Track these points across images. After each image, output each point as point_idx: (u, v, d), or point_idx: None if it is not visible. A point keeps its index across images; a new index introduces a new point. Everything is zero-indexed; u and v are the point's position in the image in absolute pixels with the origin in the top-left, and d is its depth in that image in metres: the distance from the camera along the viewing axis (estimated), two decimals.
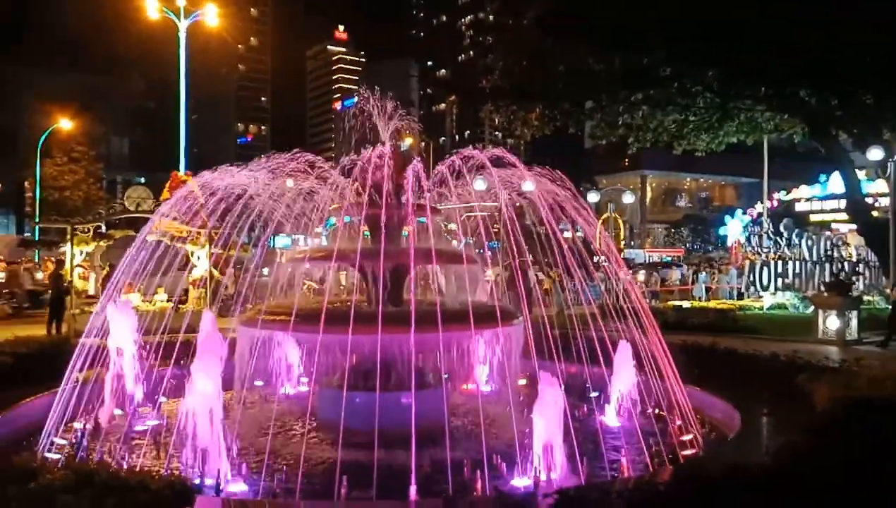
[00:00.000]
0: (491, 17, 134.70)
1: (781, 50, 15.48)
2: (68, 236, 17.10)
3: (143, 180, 52.16)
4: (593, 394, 8.57)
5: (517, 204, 9.57)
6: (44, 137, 46.84)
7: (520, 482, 5.94)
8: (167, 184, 20.23)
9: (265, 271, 15.35)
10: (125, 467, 5.28)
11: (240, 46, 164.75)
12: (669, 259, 46.12)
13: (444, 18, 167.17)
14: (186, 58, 27.72)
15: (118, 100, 70.05)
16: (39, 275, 28.76)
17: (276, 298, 8.86)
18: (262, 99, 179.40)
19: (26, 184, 59.57)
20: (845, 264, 24.77)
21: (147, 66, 67.82)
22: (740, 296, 26.31)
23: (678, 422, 7.50)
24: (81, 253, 17.85)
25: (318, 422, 7.57)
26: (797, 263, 24.17)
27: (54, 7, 67.35)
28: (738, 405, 7.84)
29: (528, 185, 8.93)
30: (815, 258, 24.27)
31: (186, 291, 17.75)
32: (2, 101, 64.60)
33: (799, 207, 39.66)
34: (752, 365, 9.59)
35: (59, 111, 49.42)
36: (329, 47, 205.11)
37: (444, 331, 6.77)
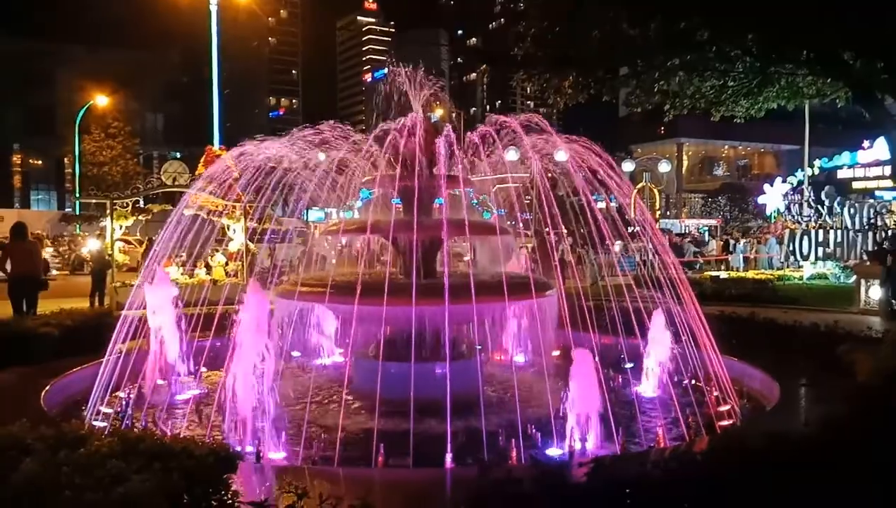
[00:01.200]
0: None
1: (824, 11, 14.95)
2: (108, 211, 17.42)
3: (178, 155, 52.87)
4: (629, 365, 8.53)
5: (550, 174, 9.47)
6: (81, 114, 47.65)
7: (555, 451, 5.97)
8: (202, 159, 20.45)
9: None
10: (169, 435, 5.42)
11: (270, 19, 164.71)
12: (706, 229, 45.42)
13: None
14: (218, 33, 27.81)
15: (153, 76, 70.83)
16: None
17: (312, 270, 8.96)
18: (293, 72, 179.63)
19: (66, 160, 60.92)
20: (889, 232, 24.12)
21: (180, 42, 68.31)
22: (780, 267, 25.85)
23: (715, 393, 7.43)
24: (121, 227, 18.18)
25: (355, 392, 7.67)
26: (838, 232, 23.60)
27: None
28: (777, 376, 7.74)
29: (561, 155, 8.83)
30: (857, 226, 23.64)
31: (226, 263, 18.03)
32: (40, 79, 65.77)
33: (841, 174, 38.61)
34: (791, 336, 9.45)
35: (95, 87, 50.20)
36: (359, 18, 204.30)
37: (478, 302, 6.78)
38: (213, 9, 27.32)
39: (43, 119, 66.77)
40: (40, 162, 72.52)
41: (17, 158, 70.47)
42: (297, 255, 14.99)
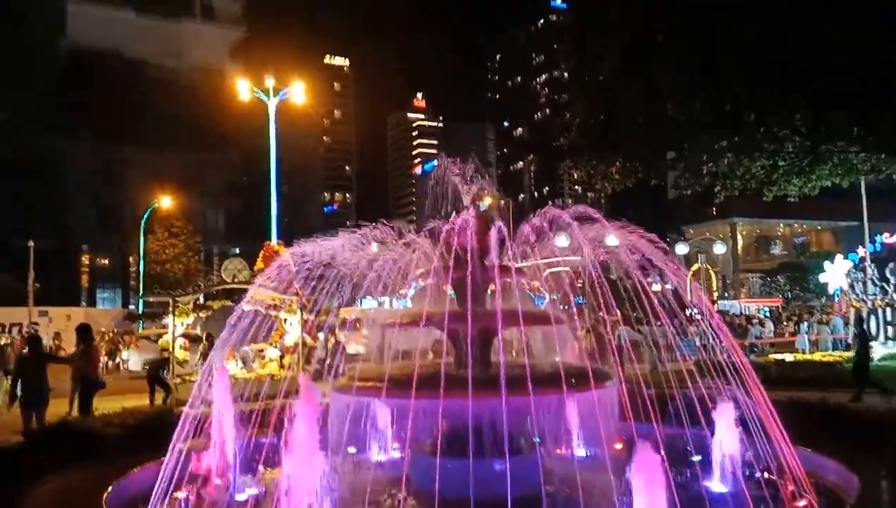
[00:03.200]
0: (565, 75, 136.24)
1: (875, 90, 14.93)
2: (170, 309, 17.99)
3: (237, 250, 54.62)
4: (696, 458, 8.18)
5: (601, 258, 9.46)
6: (147, 214, 50.00)
7: None
8: (260, 254, 21.14)
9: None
10: None
11: (325, 120, 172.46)
12: (767, 310, 44.10)
13: (520, 79, 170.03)
14: (276, 134, 29.22)
15: (215, 176, 74.29)
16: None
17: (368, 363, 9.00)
18: (347, 168, 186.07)
19: (131, 258, 63.55)
20: None
21: (240, 142, 71.79)
22: (846, 347, 24.76)
23: (790, 487, 7.04)
24: (182, 324, 18.73)
25: (412, 490, 7.52)
26: None
27: (156, 92, 72.62)
28: (854, 467, 7.31)
29: (612, 239, 8.84)
30: None
31: (281, 357, 18.27)
32: (109, 180, 69.56)
33: None
34: (867, 423, 8.97)
35: (160, 187, 52.82)
36: (408, 115, 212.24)
37: (536, 394, 6.68)
38: (272, 111, 28.82)
39: (111, 219, 70.29)
40: (107, 261, 75.81)
41: (85, 258, 73.85)
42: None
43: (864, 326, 22.66)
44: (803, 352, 25.41)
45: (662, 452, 5.91)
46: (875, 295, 23.82)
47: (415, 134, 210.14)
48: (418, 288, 10.01)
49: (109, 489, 7.20)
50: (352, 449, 8.97)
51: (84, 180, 68.43)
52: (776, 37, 15.57)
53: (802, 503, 6.83)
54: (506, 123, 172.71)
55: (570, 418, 8.48)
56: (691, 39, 16.49)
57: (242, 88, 28.93)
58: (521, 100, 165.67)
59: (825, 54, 15.08)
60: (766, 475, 7.49)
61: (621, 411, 7.97)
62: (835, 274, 32.76)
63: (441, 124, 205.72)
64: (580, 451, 8.95)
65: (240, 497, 7.85)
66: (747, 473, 7.60)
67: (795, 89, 15.84)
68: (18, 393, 12.08)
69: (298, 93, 29.83)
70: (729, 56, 15.98)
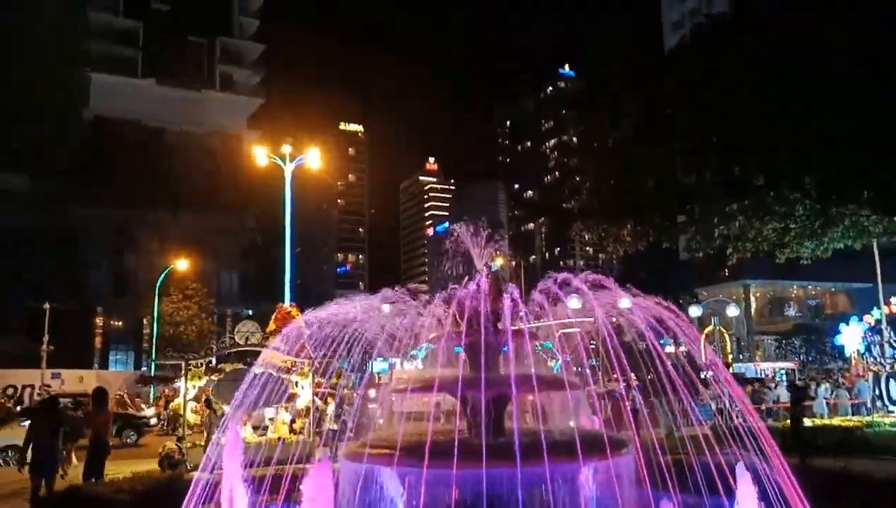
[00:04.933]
0: (574, 140, 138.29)
1: (882, 152, 15.09)
2: (183, 372, 18.00)
3: (250, 312, 54.76)
4: None
5: (614, 320, 9.46)
6: (161, 278, 50.38)
7: None
8: (273, 316, 21.21)
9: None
10: None
11: (339, 184, 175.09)
12: (784, 373, 43.39)
13: (529, 144, 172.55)
14: (291, 197, 29.69)
15: (230, 239, 75.09)
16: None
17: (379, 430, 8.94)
18: (360, 230, 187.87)
19: (144, 320, 63.73)
20: None
21: (256, 205, 72.74)
22: (868, 412, 24.26)
23: None
24: (194, 387, 18.69)
25: None
26: None
27: (173, 157, 74.20)
28: None
29: (625, 303, 8.86)
30: None
31: (292, 421, 18.14)
32: (125, 243, 70.40)
33: None
34: (892, 491, 8.74)
35: (175, 250, 53.36)
36: (421, 178, 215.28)
37: (550, 464, 6.61)
38: (288, 176, 29.36)
39: (125, 282, 70.85)
40: (120, 323, 76.04)
41: (99, 320, 74.15)
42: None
43: (879, 388, 22.29)
44: (822, 417, 24.90)
45: None
46: (893, 357, 23.45)
47: (427, 197, 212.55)
48: (429, 349, 10.03)
49: None
50: None
51: (100, 243, 69.39)
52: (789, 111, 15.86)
53: None
54: (516, 185, 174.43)
55: (585, 487, 8.35)
56: (702, 113, 16.86)
57: (259, 154, 29.55)
58: (531, 163, 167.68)
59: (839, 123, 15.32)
60: None
61: (638, 478, 7.85)
62: (851, 336, 32.37)
63: (453, 186, 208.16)
64: None
65: None
66: None
67: (807, 159, 16.05)
68: (28, 457, 11.98)
69: (314, 158, 30.40)
70: (741, 128, 16.27)
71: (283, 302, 25.87)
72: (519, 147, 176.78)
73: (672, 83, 17.83)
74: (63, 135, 70.66)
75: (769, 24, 17.32)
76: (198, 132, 77.88)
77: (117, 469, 12.51)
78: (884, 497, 8.60)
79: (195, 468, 9.55)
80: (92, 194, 66.67)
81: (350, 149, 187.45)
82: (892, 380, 22.57)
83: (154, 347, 49.03)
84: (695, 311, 28.03)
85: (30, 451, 11.82)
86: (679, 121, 17.78)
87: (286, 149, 29.30)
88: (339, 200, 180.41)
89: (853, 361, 28.94)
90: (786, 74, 15.83)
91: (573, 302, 9.92)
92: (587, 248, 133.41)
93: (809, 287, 71.46)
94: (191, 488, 7.81)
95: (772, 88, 16.01)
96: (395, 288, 9.08)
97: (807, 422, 21.60)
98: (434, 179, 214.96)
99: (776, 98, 15.82)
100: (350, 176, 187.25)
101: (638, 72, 19.48)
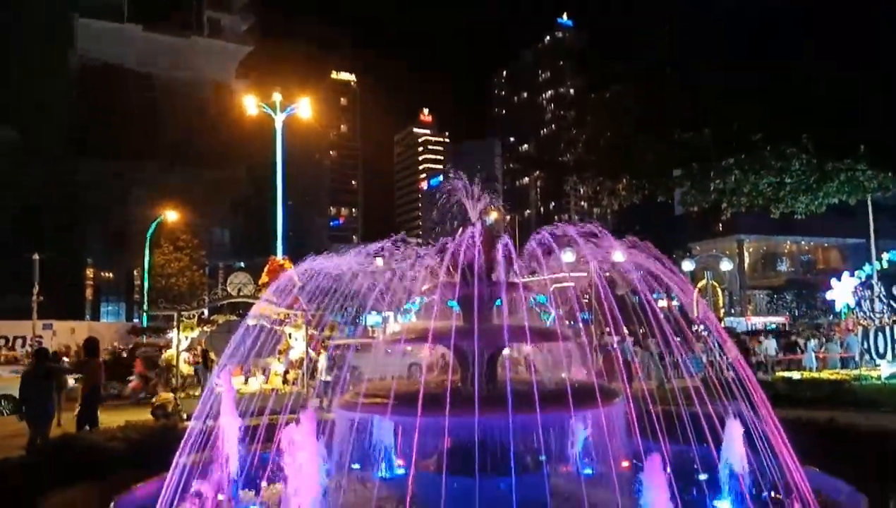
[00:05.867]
0: (571, 91, 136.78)
1: (884, 112, 14.96)
2: (175, 322, 18.00)
3: (242, 265, 54.69)
4: (703, 476, 8.11)
5: (608, 274, 9.43)
6: (152, 229, 50.11)
7: None
8: (265, 268, 21.15)
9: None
10: None
11: (331, 134, 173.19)
12: (775, 327, 43.90)
13: (525, 95, 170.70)
14: (283, 149, 29.36)
15: (221, 192, 74.59)
16: None
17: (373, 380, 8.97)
18: (353, 183, 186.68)
19: (135, 272, 63.70)
20: None
21: (247, 157, 72.08)
22: (856, 366, 24.60)
23: (797, 507, 6.96)
24: (187, 338, 18.72)
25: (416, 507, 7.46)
26: None
27: (164, 108, 73.23)
28: (864, 488, 7.23)
29: (619, 256, 8.81)
30: None
31: (286, 372, 18.25)
32: (116, 196, 69.91)
33: None
34: (877, 444, 8.86)
35: (165, 203, 52.98)
36: (414, 130, 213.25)
37: (543, 412, 6.64)
38: (279, 127, 28.97)
39: (116, 234, 70.57)
40: (111, 274, 75.97)
41: (89, 272, 74.04)
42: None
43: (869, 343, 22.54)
44: (811, 370, 25.25)
45: (669, 470, 5.87)
46: (882, 312, 23.64)
47: (421, 149, 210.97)
48: (423, 303, 10.00)
49: (112, 504, 7.16)
50: (356, 466, 8.93)
51: (90, 195, 68.83)
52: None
53: None
54: (512, 139, 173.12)
55: (576, 436, 8.43)
56: (707, 65, 16.62)
57: (249, 104, 29.10)
58: (528, 115, 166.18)
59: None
60: (773, 494, 7.41)
61: (628, 428, 7.92)
62: (841, 291, 32.65)
63: (447, 139, 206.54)
64: (587, 469, 8.88)
65: None
66: (754, 492, 7.53)
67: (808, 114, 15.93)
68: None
69: (305, 108, 29.96)
70: (748, 79, 16.09)
71: (276, 255, 25.80)
72: (515, 98, 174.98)
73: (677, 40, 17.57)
74: (53, 87, 69.39)
75: None
76: (187, 80, 76.63)
77: (110, 420, 12.58)
78: (868, 448, 8.73)
79: (189, 418, 9.60)
80: (77, 142, 65.84)
81: (342, 99, 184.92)
82: (880, 334, 22.78)
83: (146, 298, 49.05)
84: (688, 266, 28.14)
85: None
86: (679, 77, 17.57)
87: (277, 98, 28.83)
88: (331, 152, 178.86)
89: (844, 316, 29.24)
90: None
91: (567, 256, 9.86)
92: (582, 203, 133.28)
93: (802, 242, 71.78)
94: (185, 437, 7.83)
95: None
96: (390, 236, 8.99)
97: (796, 375, 21.93)
98: (428, 131, 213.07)
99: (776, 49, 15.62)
100: (342, 127, 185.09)
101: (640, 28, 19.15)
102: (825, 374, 22.82)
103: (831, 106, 15.68)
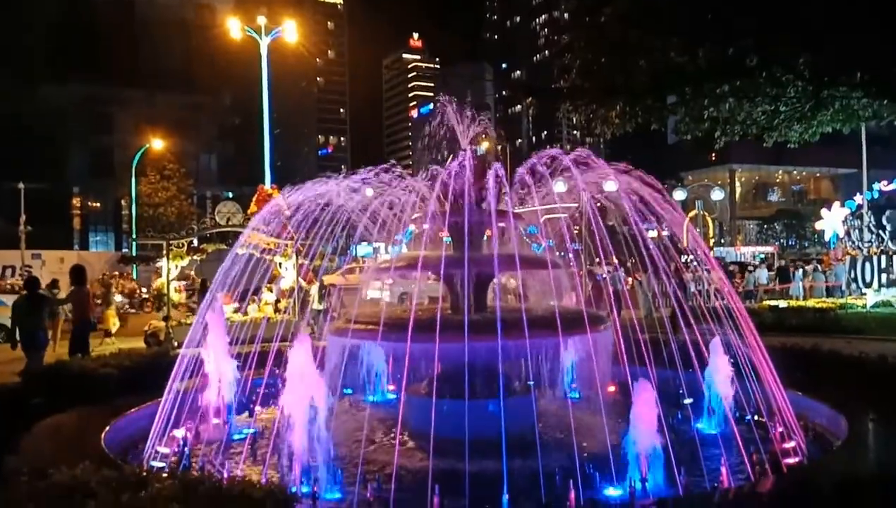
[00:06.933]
0: (566, 16, 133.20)
1: (882, 34, 14.64)
2: (164, 251, 17.94)
3: (230, 195, 54.27)
4: (688, 401, 8.29)
5: (599, 204, 9.38)
6: (137, 156, 49.38)
7: (614, 491, 5.81)
8: (254, 198, 20.97)
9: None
10: (225, 475, 5.44)
11: (318, 60, 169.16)
12: (763, 257, 44.30)
13: (518, 20, 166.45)
14: (269, 74, 28.66)
15: (207, 118, 73.32)
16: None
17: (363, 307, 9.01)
18: (341, 111, 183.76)
19: (123, 202, 63.18)
20: None
21: (232, 84, 70.60)
22: (843, 295, 24.98)
23: (780, 429, 7.15)
24: (177, 267, 18.69)
25: (407, 430, 7.62)
26: None
27: (146, 32, 71.10)
28: (844, 410, 7.41)
29: (611, 185, 8.74)
30: None
31: (277, 301, 18.33)
32: (99, 124, 68.64)
33: None
34: (858, 368, 9.05)
35: (151, 131, 52.06)
36: (404, 56, 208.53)
37: (531, 338, 6.71)
38: (264, 51, 28.20)
39: (101, 162, 69.60)
40: (98, 204, 75.30)
41: (76, 201, 73.36)
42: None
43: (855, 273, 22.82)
44: (797, 299, 25.64)
45: (655, 395, 5.98)
46: (871, 242, 23.87)
47: (411, 76, 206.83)
48: (413, 233, 9.96)
49: (108, 428, 7.25)
50: (348, 391, 9.08)
51: (74, 123, 67.47)
52: None
53: (790, 444, 6.94)
54: (504, 65, 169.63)
55: (564, 361, 8.55)
56: None
57: (233, 26, 28.20)
58: (520, 40, 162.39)
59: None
60: (756, 417, 7.59)
61: (615, 355, 8.03)
62: (832, 221, 32.82)
63: (438, 65, 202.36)
64: (574, 393, 9.07)
65: (237, 437, 7.96)
66: (738, 415, 7.72)
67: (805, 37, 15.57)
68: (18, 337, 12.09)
69: (291, 31, 29.10)
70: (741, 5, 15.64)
71: (265, 184, 25.53)
72: (508, 23, 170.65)
73: None
74: (29, 10, 66.95)
75: None
76: (168, 1, 74.07)
77: (102, 348, 12.67)
78: (849, 371, 8.93)
79: (180, 345, 9.66)
80: (60, 69, 64.10)
81: (329, 23, 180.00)
82: (867, 264, 23.06)
83: (134, 228, 48.78)
84: (679, 195, 28.15)
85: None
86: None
87: (261, 21, 27.95)
88: (318, 78, 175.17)
89: (833, 245, 29.48)
90: None
91: (559, 186, 9.78)
92: (574, 132, 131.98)
93: (794, 172, 71.67)
94: (177, 363, 7.89)
95: None
96: (379, 163, 8.86)
97: (782, 304, 22.26)
98: (418, 57, 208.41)
99: None
100: (329, 52, 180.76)
101: None
102: (811, 303, 23.17)
103: (829, 27, 15.32)
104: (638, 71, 18.03)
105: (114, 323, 19.93)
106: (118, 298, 28.18)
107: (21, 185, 42.45)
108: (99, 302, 20.35)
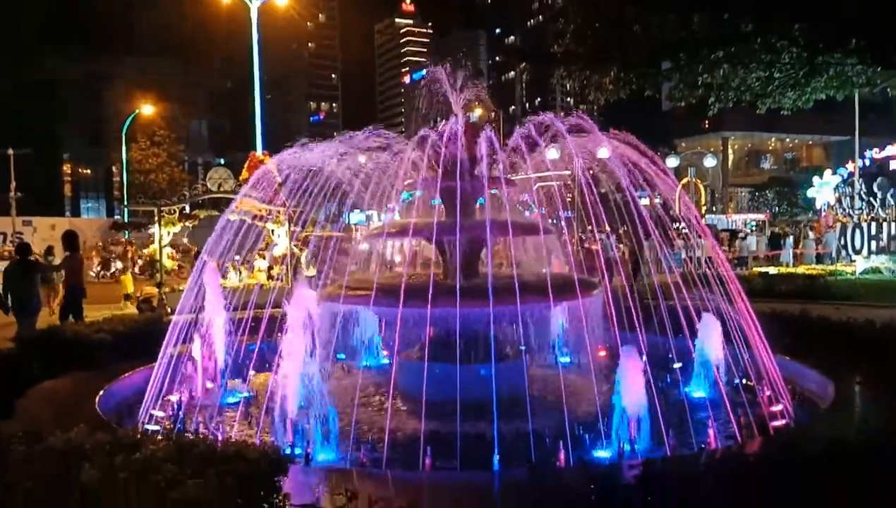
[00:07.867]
0: None
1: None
2: (156, 218, 17.85)
3: (222, 161, 53.87)
4: (677, 365, 8.39)
5: (592, 171, 9.37)
6: (127, 123, 48.84)
7: (603, 453, 5.90)
8: (245, 164, 20.81)
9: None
10: (220, 438, 5.51)
11: (309, 24, 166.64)
12: (754, 224, 44.45)
13: None
14: (259, 38, 28.26)
15: (197, 84, 72.42)
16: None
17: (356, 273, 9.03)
18: (333, 76, 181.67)
19: (114, 169, 62.67)
20: None
21: (222, 50, 69.69)
22: (831, 261, 25.17)
23: (768, 393, 7.25)
24: (169, 233, 18.61)
25: (400, 394, 7.70)
26: (892, 224, 22.81)
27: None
28: (831, 375, 7.51)
29: (604, 152, 8.72)
30: None
31: (270, 267, 18.32)
32: (90, 91, 67.74)
33: (893, 165, 37.34)
34: (846, 334, 9.14)
35: (142, 97, 51.45)
36: (396, 20, 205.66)
37: (522, 303, 6.75)
38: (254, 15, 27.78)
39: (92, 129, 68.83)
40: (89, 171, 74.65)
41: (67, 168, 72.66)
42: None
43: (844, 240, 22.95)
44: (787, 266, 25.80)
45: (645, 359, 6.06)
46: (861, 209, 23.96)
47: (403, 41, 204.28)
48: (406, 200, 9.95)
49: (101, 392, 7.30)
50: (341, 356, 9.14)
51: (63, 89, 66.49)
52: None
53: (778, 407, 7.04)
54: (497, 30, 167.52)
55: (555, 326, 8.63)
56: None
57: None
58: (515, 5, 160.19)
59: None
60: (744, 381, 7.69)
61: (606, 320, 8.10)
62: (823, 189, 32.90)
63: (431, 31, 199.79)
64: (565, 358, 9.16)
65: (231, 400, 8.03)
66: (726, 379, 7.81)
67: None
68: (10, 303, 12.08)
69: None
70: None
71: (256, 150, 25.34)
72: None
73: None
74: None
75: None
76: None
77: (96, 314, 12.67)
78: (837, 337, 9.01)
79: (174, 311, 9.67)
80: (49, 35, 63.05)
81: None
82: (857, 231, 23.17)
83: (125, 194, 48.47)
84: (672, 162, 28.04)
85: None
86: None
87: None
88: (309, 43, 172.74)
89: (823, 213, 29.59)
90: None
91: (551, 153, 9.74)
92: (568, 99, 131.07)
93: (787, 139, 71.50)
94: (170, 328, 7.91)
95: None
96: (370, 129, 8.79)
97: (772, 271, 22.40)
98: (411, 22, 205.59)
99: None
100: (320, 16, 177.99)
101: None
102: (801, 269, 23.33)
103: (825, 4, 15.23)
104: (634, 46, 17.91)
105: (132, 289, 20.70)
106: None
107: (10, 151, 41.95)
108: (119, 266, 20.78)
